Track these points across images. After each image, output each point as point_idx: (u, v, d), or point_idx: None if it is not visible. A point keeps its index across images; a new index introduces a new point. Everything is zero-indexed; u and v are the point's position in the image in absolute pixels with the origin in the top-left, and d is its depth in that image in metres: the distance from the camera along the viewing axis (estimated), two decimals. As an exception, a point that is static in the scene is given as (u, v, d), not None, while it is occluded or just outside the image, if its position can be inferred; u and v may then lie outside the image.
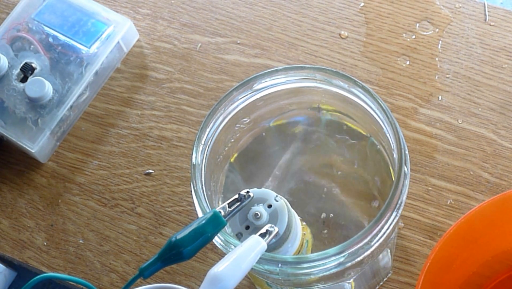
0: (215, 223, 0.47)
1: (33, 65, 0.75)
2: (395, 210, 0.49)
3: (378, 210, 0.49)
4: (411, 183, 0.68)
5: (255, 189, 0.51)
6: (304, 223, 0.54)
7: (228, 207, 0.48)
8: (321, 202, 0.57)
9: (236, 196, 0.49)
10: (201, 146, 0.53)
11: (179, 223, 0.70)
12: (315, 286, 0.53)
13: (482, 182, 0.68)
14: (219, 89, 0.75)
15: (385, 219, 0.48)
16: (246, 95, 0.55)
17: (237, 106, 0.55)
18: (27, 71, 0.74)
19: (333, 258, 0.48)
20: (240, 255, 0.45)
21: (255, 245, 0.46)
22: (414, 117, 0.71)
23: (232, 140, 0.57)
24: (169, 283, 0.65)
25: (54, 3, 0.78)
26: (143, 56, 0.78)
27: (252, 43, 0.77)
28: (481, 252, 0.61)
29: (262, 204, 0.50)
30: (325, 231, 0.56)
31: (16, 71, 0.75)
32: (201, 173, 0.52)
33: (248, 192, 0.50)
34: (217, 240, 0.49)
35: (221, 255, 0.47)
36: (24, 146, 0.73)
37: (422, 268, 0.56)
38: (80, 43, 0.76)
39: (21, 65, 0.75)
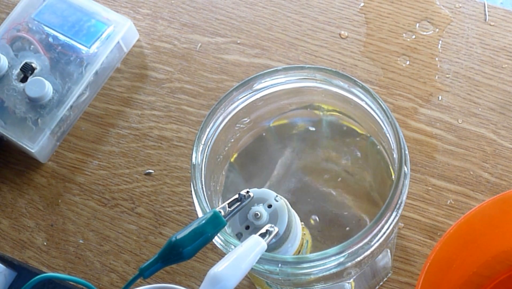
0: (215, 223, 0.47)
1: (33, 65, 0.75)
2: (395, 210, 0.49)
3: (378, 209, 0.49)
4: (411, 183, 0.68)
5: (255, 189, 0.51)
6: (303, 223, 0.54)
7: (228, 207, 0.48)
8: (321, 202, 0.57)
9: (236, 196, 0.49)
10: (201, 146, 0.53)
11: (179, 223, 0.70)
12: (315, 286, 0.53)
13: (482, 182, 0.68)
14: (219, 89, 0.75)
15: (385, 219, 0.48)
16: (246, 95, 0.55)
17: (237, 106, 0.55)
18: (27, 71, 0.74)
19: (333, 258, 0.48)
20: (240, 255, 0.45)
21: (255, 245, 0.46)
22: (414, 117, 0.71)
23: (232, 140, 0.57)
24: (169, 283, 0.65)
25: (54, 3, 0.78)
26: (143, 56, 0.78)
27: (252, 43, 0.77)
28: (481, 252, 0.61)
29: (262, 204, 0.50)
30: (325, 231, 0.56)
31: (16, 71, 0.75)
32: (201, 173, 0.52)
33: (248, 192, 0.50)
34: (217, 240, 0.49)
35: (221, 255, 0.47)
36: (24, 146, 0.73)
37: (422, 268, 0.56)
38: (80, 43, 0.76)
39: (21, 65, 0.75)
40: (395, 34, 0.75)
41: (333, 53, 0.75)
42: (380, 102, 0.52)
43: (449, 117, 0.70)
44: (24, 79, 0.74)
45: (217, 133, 0.55)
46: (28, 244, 0.72)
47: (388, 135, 0.52)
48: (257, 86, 0.55)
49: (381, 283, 0.65)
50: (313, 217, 0.56)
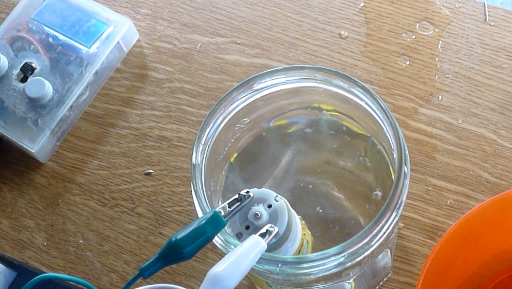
0: (215, 223, 0.47)
1: (33, 65, 0.75)
2: (395, 210, 0.49)
3: (378, 209, 0.49)
4: (411, 183, 0.68)
5: (255, 189, 0.51)
6: (304, 223, 0.54)
7: (228, 207, 0.48)
8: (321, 202, 0.57)
9: (236, 196, 0.49)
10: (201, 146, 0.53)
11: (179, 223, 0.70)
12: (315, 286, 0.53)
13: (482, 182, 0.68)
14: (219, 89, 0.75)
15: (385, 219, 0.48)
16: (246, 95, 0.55)
17: (237, 106, 0.55)
18: (27, 71, 0.74)
19: (333, 258, 0.48)
20: (240, 255, 0.45)
21: (255, 245, 0.46)
22: (414, 117, 0.71)
23: (232, 140, 0.57)
24: (169, 283, 0.65)
25: (54, 3, 0.78)
26: (143, 56, 0.78)
27: (252, 43, 0.77)
28: (481, 252, 0.61)
29: (262, 204, 0.50)
30: (325, 231, 0.56)
31: (16, 71, 0.75)
32: (201, 173, 0.52)
33: (248, 192, 0.50)
34: (217, 240, 0.49)
35: (221, 255, 0.47)
36: (24, 146, 0.73)
37: (422, 268, 0.56)
38: (80, 43, 0.76)
39: (21, 65, 0.75)
40: (395, 34, 0.75)
41: (333, 53, 0.75)
42: (380, 102, 0.52)
43: (449, 117, 0.70)
44: (24, 79, 0.74)
45: (217, 133, 0.55)
46: (28, 244, 0.72)
47: (388, 135, 0.52)
48: (257, 86, 0.55)
49: (381, 283, 0.65)
50: (313, 216, 0.56)
